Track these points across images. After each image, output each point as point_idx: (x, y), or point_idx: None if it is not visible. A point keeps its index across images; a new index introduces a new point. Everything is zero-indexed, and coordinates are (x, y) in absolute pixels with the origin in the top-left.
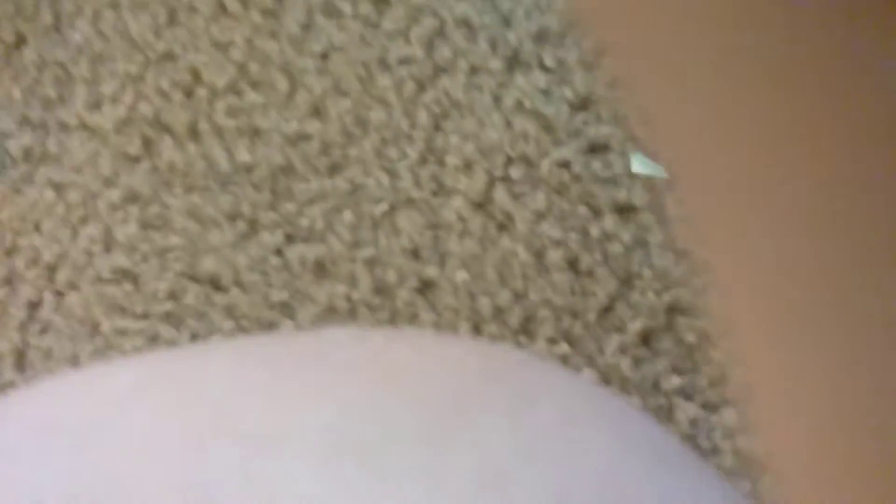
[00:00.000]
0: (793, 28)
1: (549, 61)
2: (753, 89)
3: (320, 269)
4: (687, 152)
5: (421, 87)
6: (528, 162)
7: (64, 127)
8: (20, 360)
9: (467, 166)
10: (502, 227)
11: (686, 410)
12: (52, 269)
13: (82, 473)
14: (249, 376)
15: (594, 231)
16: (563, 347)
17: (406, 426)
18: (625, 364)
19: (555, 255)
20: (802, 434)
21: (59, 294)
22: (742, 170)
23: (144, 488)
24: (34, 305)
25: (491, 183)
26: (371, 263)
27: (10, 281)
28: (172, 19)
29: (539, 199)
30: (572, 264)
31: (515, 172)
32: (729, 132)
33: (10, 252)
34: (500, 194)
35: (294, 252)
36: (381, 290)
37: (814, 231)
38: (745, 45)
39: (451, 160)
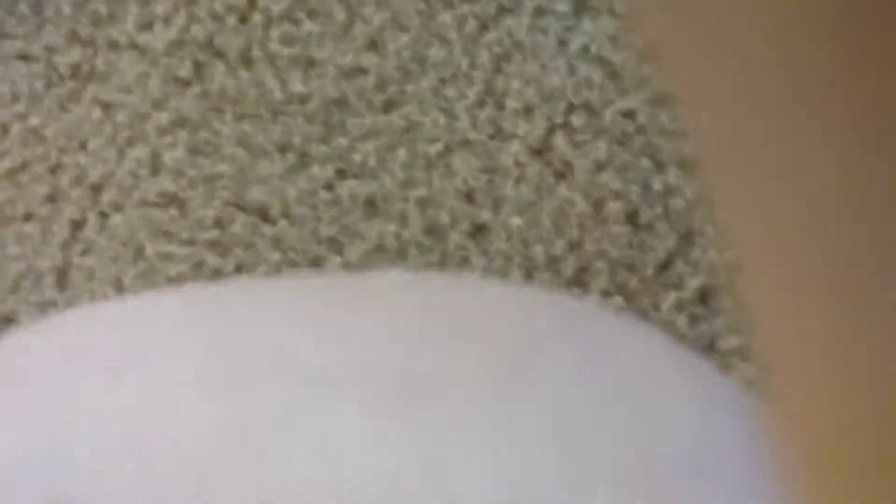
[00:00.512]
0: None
1: (619, 6)
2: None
3: (371, 207)
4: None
5: (483, 26)
6: (590, 110)
7: (113, 45)
8: (62, 279)
9: (527, 111)
10: (560, 176)
11: (743, 371)
12: (96, 190)
13: (118, 405)
14: (308, 314)
15: (656, 184)
16: (618, 301)
17: (475, 371)
18: (681, 321)
19: (614, 207)
20: (854, 404)
21: (104, 215)
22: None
23: (186, 427)
24: (77, 225)
25: (551, 129)
26: (423, 204)
27: (53, 199)
28: None
29: (600, 149)
30: (631, 217)
31: (577, 120)
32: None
33: (55, 169)
34: (560, 141)
35: (345, 187)
36: (432, 231)
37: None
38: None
39: (511, 104)
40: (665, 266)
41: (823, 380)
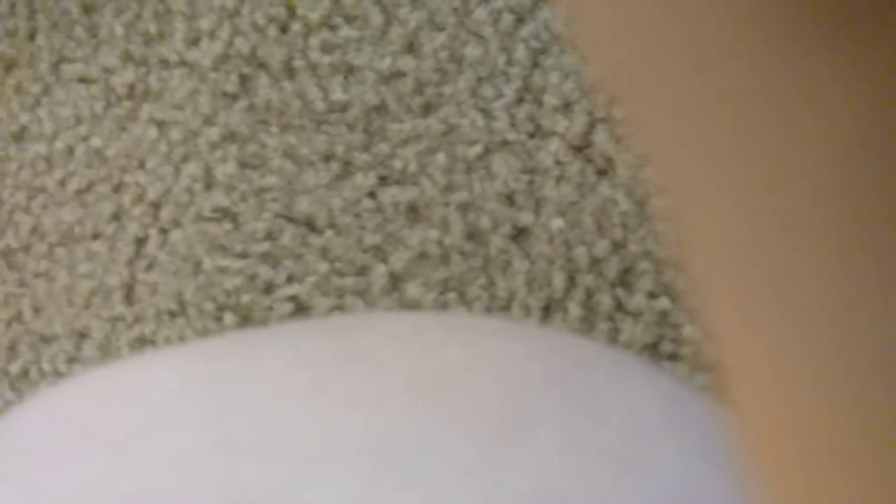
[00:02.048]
0: None
1: None
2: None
3: (413, 213)
4: None
5: (519, 19)
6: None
7: (164, 63)
8: (129, 295)
9: (566, 106)
10: (602, 173)
11: None
12: (156, 207)
13: (119, 487)
14: (295, 382)
15: None
16: (664, 302)
17: (456, 445)
18: None
19: (658, 204)
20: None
21: (164, 231)
22: None
23: None
24: (140, 242)
25: (591, 124)
26: (464, 208)
27: (118, 217)
28: None
29: (643, 142)
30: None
31: (618, 112)
32: None
33: (118, 188)
34: (601, 136)
35: (387, 195)
36: (473, 235)
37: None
38: None
39: (550, 100)
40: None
41: (787, 389)
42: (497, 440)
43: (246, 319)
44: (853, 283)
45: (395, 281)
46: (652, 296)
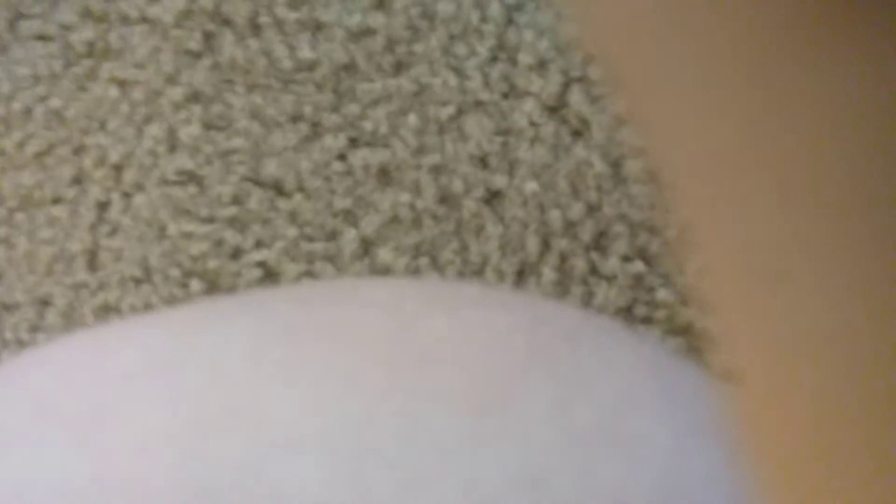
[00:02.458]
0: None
1: None
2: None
3: (384, 176)
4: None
5: None
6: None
7: (125, 20)
8: (92, 261)
9: (541, 65)
10: (577, 134)
11: None
12: (118, 170)
13: (78, 472)
14: (270, 356)
15: None
16: (639, 266)
17: (438, 423)
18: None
19: (634, 165)
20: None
21: (127, 195)
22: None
23: (145, 494)
24: (103, 206)
25: (566, 84)
26: (436, 171)
27: (79, 180)
28: None
29: (619, 103)
30: (653, 176)
31: (594, 72)
32: None
33: (78, 151)
34: (577, 97)
35: (357, 157)
36: (446, 199)
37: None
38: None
39: (524, 58)
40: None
41: (788, 375)
42: (481, 416)
43: (213, 286)
44: (857, 283)
45: (367, 246)
46: (626, 259)
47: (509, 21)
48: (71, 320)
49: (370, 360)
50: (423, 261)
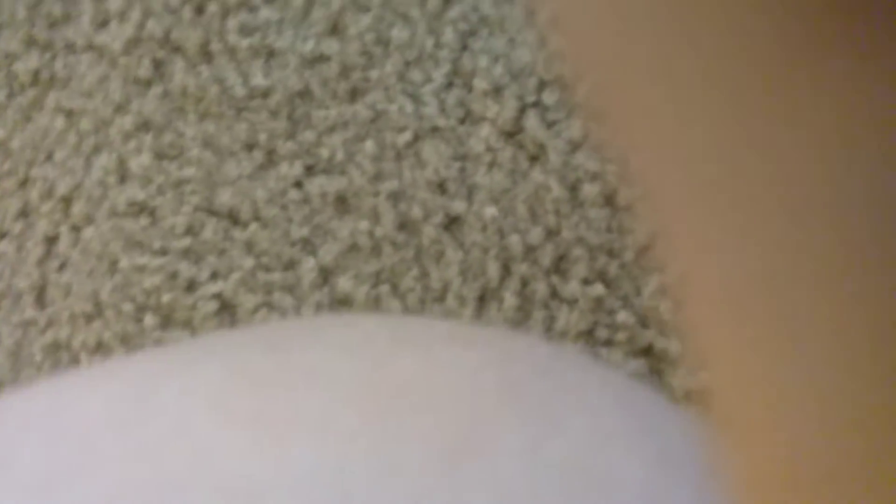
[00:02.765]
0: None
1: None
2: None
3: (342, 204)
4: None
5: (447, 0)
6: (563, 85)
7: (71, 48)
8: (40, 297)
9: (496, 91)
10: (534, 159)
11: None
12: (67, 202)
13: None
14: (237, 406)
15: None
16: (598, 289)
17: (413, 467)
18: (664, 306)
19: (591, 189)
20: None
21: (76, 228)
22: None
23: None
24: (51, 240)
25: (522, 109)
26: (395, 197)
27: (25, 214)
28: None
29: (574, 128)
30: (609, 199)
31: (549, 97)
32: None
33: (24, 183)
34: (532, 122)
35: (314, 185)
36: (405, 225)
37: (794, 218)
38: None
39: (479, 84)
40: (646, 249)
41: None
42: (455, 458)
43: (168, 320)
44: (854, 296)
45: (325, 275)
46: (586, 282)
47: (464, 47)
48: (19, 359)
49: (340, 406)
50: (384, 288)
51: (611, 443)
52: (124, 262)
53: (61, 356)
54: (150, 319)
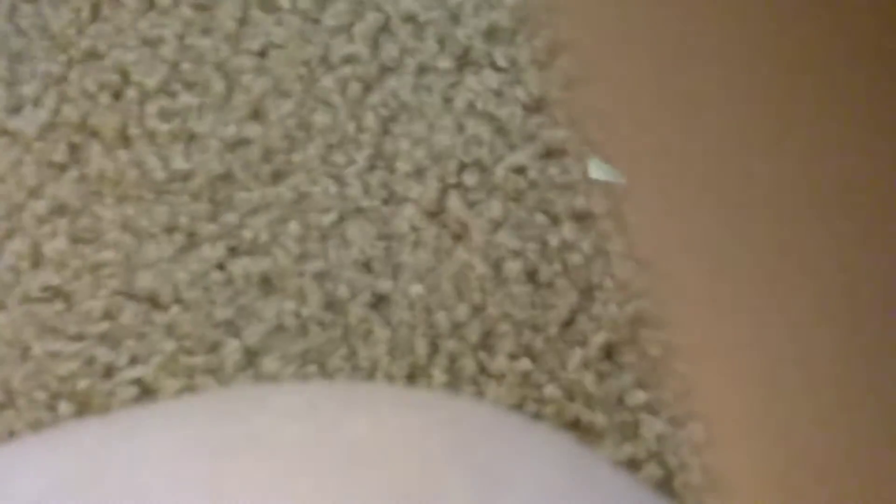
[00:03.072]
0: (761, 24)
1: (500, 60)
2: (715, 91)
3: (266, 284)
4: (646, 157)
5: (367, 87)
6: (481, 167)
7: None
8: None
9: (418, 172)
10: (457, 237)
11: (652, 426)
12: None
13: None
14: (190, 473)
15: (553, 240)
16: (525, 363)
17: None
18: (588, 379)
19: (513, 267)
20: (772, 450)
21: None
22: (703, 174)
23: None
24: None
25: (444, 190)
26: (320, 277)
27: None
28: (96, 14)
29: (495, 207)
30: (531, 276)
31: (469, 179)
32: (690, 135)
33: None
34: (454, 202)
35: (238, 266)
36: (332, 305)
37: (780, 234)
38: (708, 43)
39: (402, 166)
40: (568, 323)
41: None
42: None
43: (84, 407)
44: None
45: (250, 356)
46: (513, 357)
47: (385, 131)
48: None
49: (292, 470)
50: (311, 368)
51: (557, 500)
52: (37, 349)
53: None
54: (64, 407)
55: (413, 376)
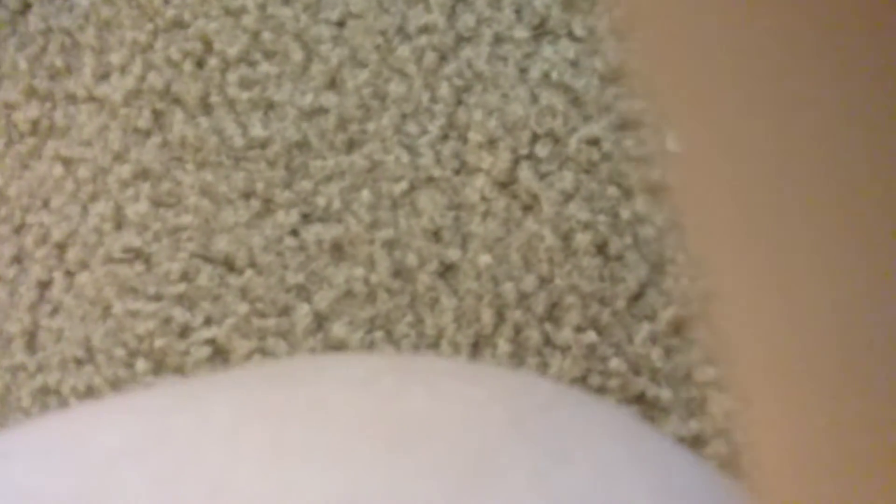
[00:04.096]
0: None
1: (578, 30)
2: (791, 74)
3: (337, 251)
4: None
5: (442, 57)
6: (554, 139)
7: (71, 98)
8: (31, 342)
9: (491, 143)
10: (527, 209)
11: (721, 403)
12: (61, 248)
13: None
14: (250, 437)
15: (625, 213)
16: (591, 336)
17: (424, 497)
18: (655, 354)
19: (582, 239)
20: (837, 427)
21: (70, 274)
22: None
23: None
24: (44, 285)
25: (516, 161)
26: (390, 245)
27: (19, 260)
28: None
29: (566, 179)
30: (601, 248)
31: (541, 150)
32: (759, 110)
33: (19, 229)
34: (526, 173)
35: (310, 232)
36: (400, 273)
37: (843, 223)
38: (788, 23)
39: (474, 136)
40: (637, 297)
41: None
42: (466, 489)
43: (160, 365)
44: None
45: (320, 321)
46: (579, 329)
47: (459, 101)
48: (6, 404)
49: (352, 438)
50: (378, 335)
51: (616, 475)
52: (117, 308)
53: (50, 401)
54: (141, 364)
55: (478, 346)
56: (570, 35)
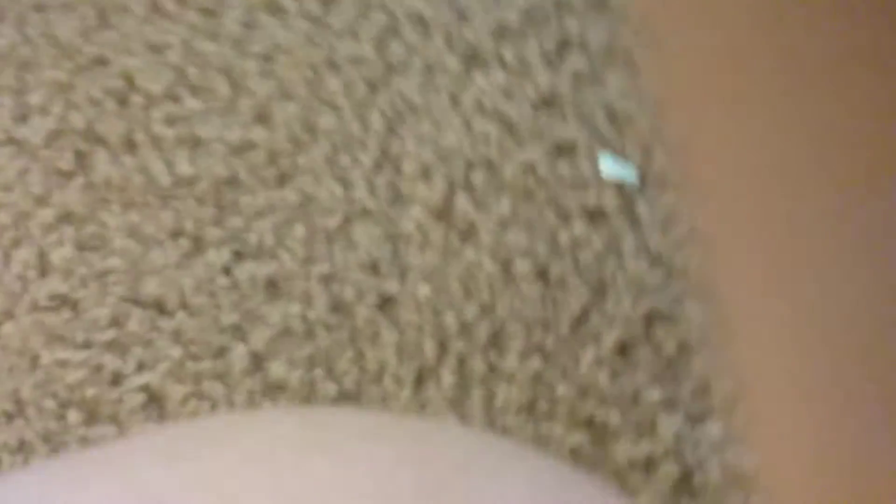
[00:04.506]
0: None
1: (509, 58)
2: (733, 84)
3: (272, 288)
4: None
5: (373, 88)
6: (490, 166)
7: None
8: None
9: (425, 173)
10: (465, 237)
11: (669, 424)
12: None
13: None
14: (202, 483)
15: (563, 238)
16: (536, 362)
17: None
18: (602, 377)
19: (522, 265)
20: (792, 446)
21: None
22: (722, 170)
23: None
24: None
25: (451, 190)
26: (326, 280)
27: None
28: (103, 21)
29: (503, 206)
30: (541, 274)
31: (477, 178)
32: (703, 130)
33: None
34: (462, 202)
35: (243, 270)
36: (338, 308)
37: (798, 231)
38: (712, 39)
39: (408, 166)
40: (580, 321)
41: (785, 397)
42: None
43: (93, 415)
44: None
45: (257, 361)
46: (524, 356)
47: (391, 132)
48: None
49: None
50: (318, 372)
51: None
52: (46, 358)
53: None
54: (73, 415)
55: (421, 378)
56: (501, 62)
